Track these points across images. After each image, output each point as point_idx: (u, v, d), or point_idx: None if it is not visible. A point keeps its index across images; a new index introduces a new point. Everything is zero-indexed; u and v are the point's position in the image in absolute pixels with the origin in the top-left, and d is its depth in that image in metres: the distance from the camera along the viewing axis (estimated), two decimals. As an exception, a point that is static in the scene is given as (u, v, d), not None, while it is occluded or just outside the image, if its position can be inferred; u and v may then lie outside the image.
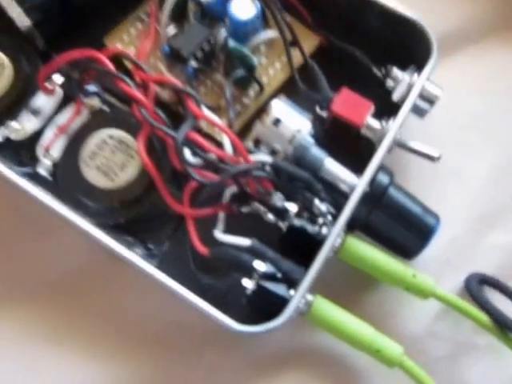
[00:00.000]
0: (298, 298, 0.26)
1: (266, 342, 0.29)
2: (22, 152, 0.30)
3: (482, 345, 0.29)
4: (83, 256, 0.30)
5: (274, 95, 0.29)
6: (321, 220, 0.27)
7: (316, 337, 0.29)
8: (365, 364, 0.28)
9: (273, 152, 0.28)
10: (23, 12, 0.29)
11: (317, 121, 0.28)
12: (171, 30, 0.30)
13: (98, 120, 0.29)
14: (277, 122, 0.27)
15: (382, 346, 0.27)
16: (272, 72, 0.31)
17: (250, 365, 0.29)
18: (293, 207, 0.27)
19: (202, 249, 0.27)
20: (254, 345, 0.29)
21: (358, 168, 0.28)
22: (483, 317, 0.28)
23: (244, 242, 0.27)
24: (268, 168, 0.27)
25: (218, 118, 0.28)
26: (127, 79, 0.27)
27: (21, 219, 0.31)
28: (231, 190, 0.27)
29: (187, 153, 0.27)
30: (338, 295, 0.28)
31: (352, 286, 0.30)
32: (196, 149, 0.26)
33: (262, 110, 0.29)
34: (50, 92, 0.30)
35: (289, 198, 0.27)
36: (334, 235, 0.27)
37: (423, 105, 0.29)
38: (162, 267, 0.27)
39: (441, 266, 0.30)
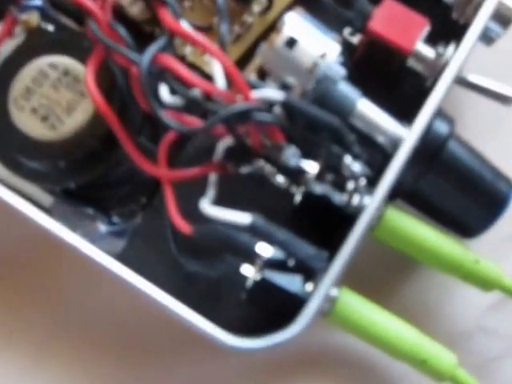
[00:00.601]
0: (319, 297, 0.23)
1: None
2: None
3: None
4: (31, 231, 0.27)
5: (288, 10, 0.25)
6: (351, 185, 0.23)
7: (335, 335, 0.27)
8: (400, 369, 0.26)
9: (285, 87, 0.24)
10: None
11: (344, 49, 0.25)
12: None
13: (35, 43, 0.25)
14: (291, 42, 0.24)
15: (430, 355, 0.24)
16: (285, -22, 0.26)
17: (244, 374, 0.27)
18: (312, 167, 0.24)
19: (183, 226, 0.23)
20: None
21: (399, 114, 0.24)
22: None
23: (243, 217, 0.23)
24: (278, 110, 0.23)
25: (205, 39, 0.23)
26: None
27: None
28: (226, 142, 0.24)
29: (163, 89, 0.23)
30: (370, 286, 0.25)
31: (388, 274, 0.28)
32: (172, 81, 0.22)
33: (271, 31, 0.25)
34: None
35: (307, 154, 0.24)
36: (372, 208, 0.23)
37: (494, 27, 0.25)
38: (131, 249, 0.25)
39: (499, 244, 0.28)
